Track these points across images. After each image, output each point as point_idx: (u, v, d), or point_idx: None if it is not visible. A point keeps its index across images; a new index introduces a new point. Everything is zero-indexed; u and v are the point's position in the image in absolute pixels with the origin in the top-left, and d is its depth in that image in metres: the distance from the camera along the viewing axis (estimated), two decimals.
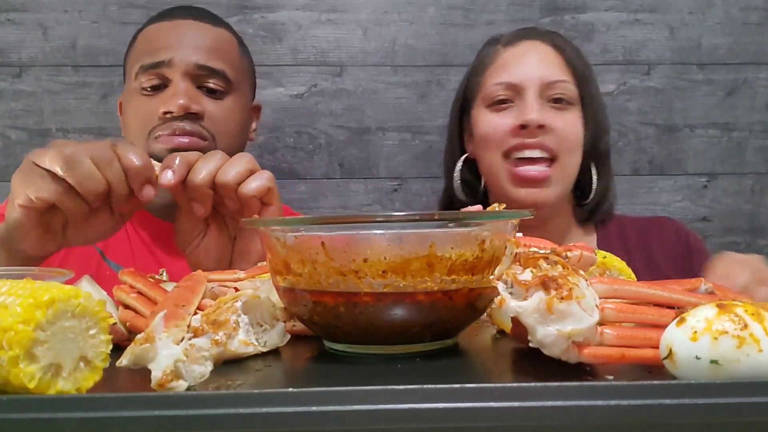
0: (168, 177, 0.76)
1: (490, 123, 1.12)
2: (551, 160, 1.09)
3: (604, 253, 0.68)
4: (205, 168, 0.78)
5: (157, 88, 1.08)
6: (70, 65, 1.41)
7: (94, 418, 0.41)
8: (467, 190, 1.19)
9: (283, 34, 1.46)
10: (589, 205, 1.17)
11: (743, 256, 0.86)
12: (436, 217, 0.58)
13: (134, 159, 0.74)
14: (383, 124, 1.47)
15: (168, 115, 1.05)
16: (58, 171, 0.72)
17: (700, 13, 1.49)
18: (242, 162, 0.79)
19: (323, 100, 1.46)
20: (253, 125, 1.23)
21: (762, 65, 1.50)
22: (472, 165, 1.20)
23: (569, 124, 1.10)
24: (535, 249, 0.54)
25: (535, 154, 1.08)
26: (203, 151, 1.04)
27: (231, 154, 1.09)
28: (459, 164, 1.19)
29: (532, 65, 1.12)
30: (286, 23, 1.45)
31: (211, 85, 1.09)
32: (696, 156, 1.51)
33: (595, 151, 1.14)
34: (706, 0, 1.49)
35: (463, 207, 1.15)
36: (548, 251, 0.53)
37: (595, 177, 1.15)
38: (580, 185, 1.17)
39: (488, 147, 1.12)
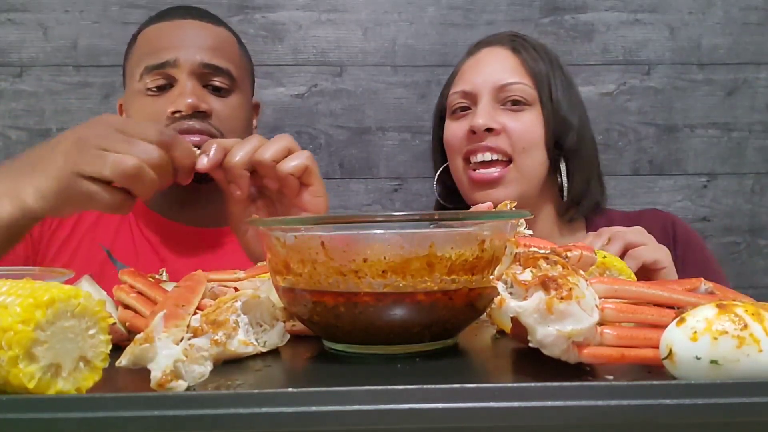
0: (203, 162, 0.78)
1: (449, 130, 1.18)
2: (507, 161, 1.12)
3: (604, 253, 0.68)
4: (242, 150, 0.79)
5: (162, 89, 1.08)
6: (71, 65, 1.41)
7: (93, 418, 0.41)
8: (452, 196, 1.24)
9: (284, 34, 1.46)
10: (566, 203, 1.18)
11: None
12: (436, 217, 0.58)
13: (185, 157, 0.77)
14: (383, 124, 1.47)
15: (176, 115, 1.05)
16: (119, 181, 0.73)
17: (700, 13, 1.49)
18: (281, 141, 0.80)
19: (323, 100, 1.46)
20: (254, 123, 1.24)
21: (762, 65, 1.50)
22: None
23: (524, 125, 1.12)
24: (535, 249, 0.54)
25: (487, 157, 1.12)
26: None
27: None
28: (438, 173, 1.24)
29: (486, 71, 1.15)
30: (286, 23, 1.45)
31: (217, 83, 1.09)
32: (696, 156, 1.51)
33: (561, 149, 1.15)
34: (706, 0, 1.49)
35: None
36: (548, 251, 0.53)
37: (564, 174, 1.16)
38: (561, 184, 1.18)
39: (451, 153, 1.18)
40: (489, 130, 1.11)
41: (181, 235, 1.14)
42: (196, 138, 1.04)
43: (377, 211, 1.45)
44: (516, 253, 0.53)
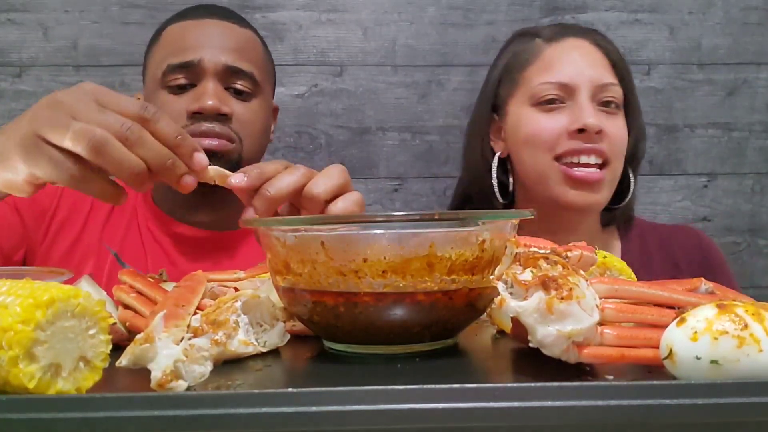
0: (239, 179, 0.69)
1: (539, 123, 1.09)
2: (603, 164, 1.07)
3: (604, 253, 0.68)
4: (286, 181, 0.70)
5: (183, 88, 1.07)
6: (71, 65, 1.41)
7: (93, 418, 0.41)
8: (498, 189, 1.15)
9: (284, 34, 1.45)
10: (618, 209, 1.16)
11: None
12: (436, 217, 0.58)
13: (177, 139, 0.65)
14: (383, 124, 1.47)
15: (197, 115, 1.04)
16: (83, 154, 0.62)
17: (700, 13, 1.49)
18: (334, 177, 0.71)
19: (323, 100, 1.46)
20: (272, 127, 1.23)
21: (762, 65, 1.50)
22: (500, 164, 1.16)
23: (619, 129, 1.09)
24: (535, 249, 0.54)
25: (591, 159, 1.06)
26: (230, 153, 1.05)
27: (254, 155, 1.10)
28: (495, 164, 1.14)
29: (580, 65, 1.09)
30: (286, 23, 1.45)
31: (239, 87, 1.08)
32: (696, 156, 1.51)
33: (634, 157, 1.14)
34: (706, 0, 1.49)
35: (493, 206, 1.13)
36: (548, 251, 0.53)
37: (632, 182, 1.14)
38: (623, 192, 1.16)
39: (536, 148, 1.08)
40: (598, 132, 1.05)
41: (192, 239, 1.13)
42: (215, 142, 1.03)
43: (377, 211, 1.45)
44: (516, 253, 0.53)
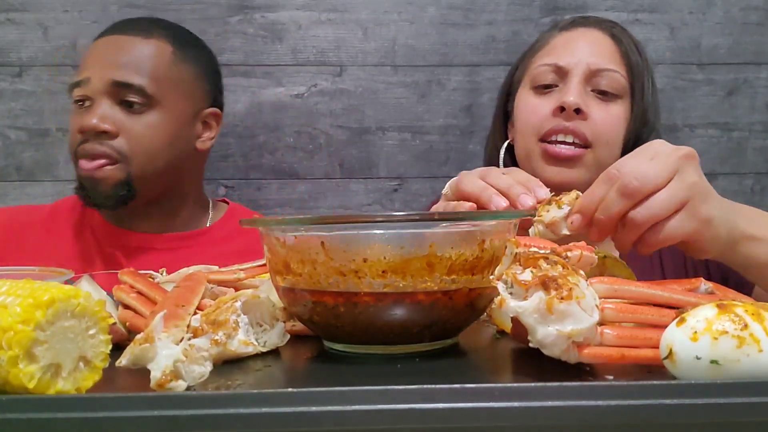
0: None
1: (529, 105, 1.09)
2: (584, 147, 1.04)
3: (604, 252, 0.68)
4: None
5: (82, 104, 1.12)
6: (71, 65, 1.41)
7: (93, 418, 0.41)
8: None
9: (284, 33, 1.45)
10: None
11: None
12: (436, 217, 0.58)
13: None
14: (383, 124, 1.47)
15: (84, 134, 1.09)
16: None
17: (700, 13, 1.49)
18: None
19: (323, 100, 1.46)
20: (208, 134, 1.21)
21: (762, 65, 1.50)
22: (510, 151, 1.15)
23: (609, 116, 1.05)
24: (535, 249, 0.54)
25: (569, 139, 1.03)
26: (111, 177, 1.09)
27: (152, 168, 1.12)
28: (502, 151, 1.14)
29: (582, 50, 1.07)
30: (286, 23, 1.45)
31: (130, 99, 1.10)
32: None
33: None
34: (706, 0, 1.49)
35: None
36: (548, 251, 0.53)
37: None
38: None
39: (525, 130, 1.08)
40: (578, 111, 1.02)
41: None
42: (92, 164, 1.08)
43: (377, 211, 1.45)
44: (516, 253, 0.53)
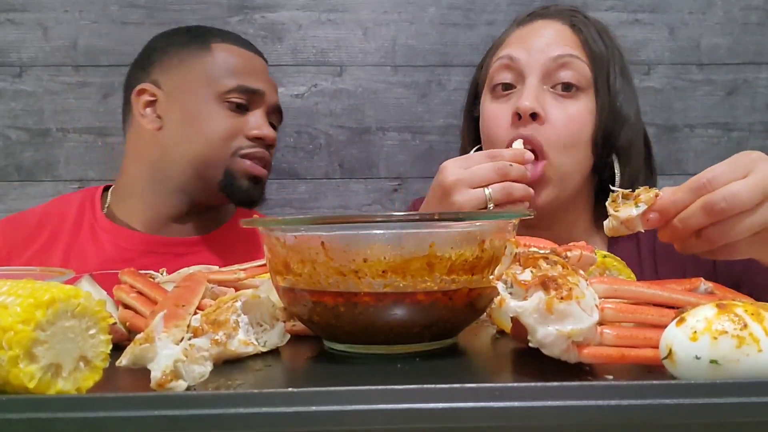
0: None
1: (490, 112, 1.01)
2: (538, 159, 0.95)
3: (604, 252, 0.68)
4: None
5: (239, 108, 1.16)
6: (71, 65, 1.41)
7: (93, 418, 0.41)
8: None
9: (284, 34, 1.45)
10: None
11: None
12: (436, 217, 0.58)
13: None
14: (383, 124, 1.47)
15: (257, 141, 1.17)
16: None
17: (700, 13, 1.49)
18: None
19: (323, 100, 1.46)
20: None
21: (762, 65, 1.50)
22: None
23: (568, 116, 0.96)
24: (535, 249, 0.54)
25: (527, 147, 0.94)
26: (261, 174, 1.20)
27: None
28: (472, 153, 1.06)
29: (538, 43, 0.99)
30: (286, 23, 1.45)
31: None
32: (696, 156, 1.51)
33: (613, 144, 0.99)
34: (706, 0, 1.49)
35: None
36: (548, 251, 0.53)
37: (617, 172, 1.00)
38: (605, 180, 1.02)
39: (490, 140, 1.00)
40: (534, 116, 0.94)
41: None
42: (265, 171, 1.19)
43: (377, 211, 1.45)
44: (516, 253, 0.53)
